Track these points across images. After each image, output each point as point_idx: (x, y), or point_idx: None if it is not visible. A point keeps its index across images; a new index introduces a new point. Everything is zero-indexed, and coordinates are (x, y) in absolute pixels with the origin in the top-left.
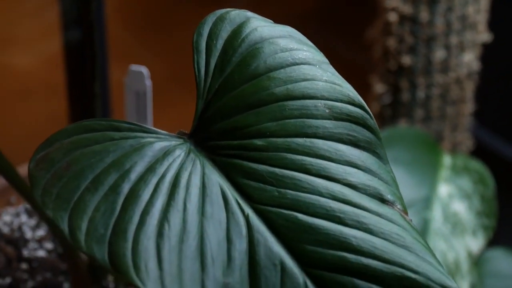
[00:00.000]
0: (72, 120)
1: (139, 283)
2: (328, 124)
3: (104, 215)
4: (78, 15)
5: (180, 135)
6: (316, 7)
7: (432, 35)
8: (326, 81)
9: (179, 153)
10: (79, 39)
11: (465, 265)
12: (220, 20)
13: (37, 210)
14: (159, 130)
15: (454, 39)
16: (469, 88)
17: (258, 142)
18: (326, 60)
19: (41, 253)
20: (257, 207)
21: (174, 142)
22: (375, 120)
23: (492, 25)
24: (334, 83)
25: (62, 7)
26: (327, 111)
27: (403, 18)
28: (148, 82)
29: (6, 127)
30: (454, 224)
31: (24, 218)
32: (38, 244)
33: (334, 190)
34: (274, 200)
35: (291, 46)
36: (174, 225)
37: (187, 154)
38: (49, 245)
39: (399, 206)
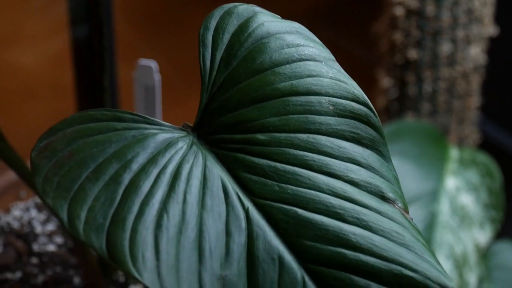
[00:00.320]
0: None
1: (135, 273)
2: (332, 121)
3: (104, 205)
4: (86, 11)
5: (184, 127)
6: (322, 3)
7: (438, 29)
8: (331, 78)
9: (182, 145)
10: (88, 34)
11: (472, 258)
12: (228, 14)
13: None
14: (162, 122)
15: (460, 33)
16: (476, 82)
17: (261, 136)
18: (332, 57)
19: (51, 248)
20: (257, 201)
21: (177, 134)
22: (379, 118)
23: (498, 18)
24: (339, 80)
25: (70, 3)
26: (331, 107)
27: (409, 12)
28: (157, 76)
29: (14, 124)
30: (462, 217)
31: (33, 213)
32: (48, 238)
33: (335, 186)
34: (274, 194)
35: (298, 42)
36: (173, 216)
37: (190, 146)
38: (59, 240)
39: (400, 204)
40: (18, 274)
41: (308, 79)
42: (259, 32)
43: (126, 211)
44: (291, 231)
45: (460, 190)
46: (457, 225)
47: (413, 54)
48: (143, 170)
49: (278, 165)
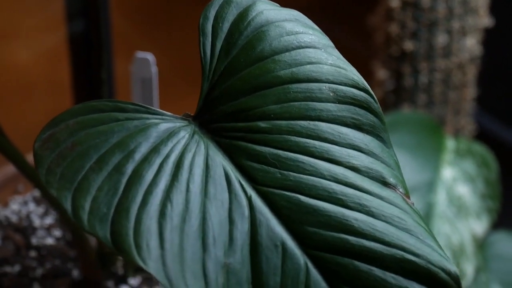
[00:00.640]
0: None
1: (140, 262)
2: (332, 107)
3: (108, 195)
4: (83, 6)
5: (185, 117)
6: None
7: (434, 20)
8: (331, 64)
9: (184, 135)
10: (84, 29)
11: (469, 248)
12: (227, 3)
13: (46, 197)
14: (164, 112)
15: (456, 24)
16: (471, 73)
17: (262, 124)
18: (332, 44)
19: (49, 241)
20: (260, 189)
21: (178, 123)
22: (379, 104)
23: (494, 9)
24: (339, 67)
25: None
26: (331, 94)
27: (405, 3)
28: (154, 69)
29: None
30: (459, 207)
31: (32, 206)
32: (47, 232)
33: (336, 172)
34: (277, 182)
35: (297, 30)
36: (176, 205)
37: (192, 135)
38: (57, 233)
39: (401, 190)
40: (16, 268)
41: (308, 66)
42: (259, 21)
43: (130, 201)
44: (294, 218)
45: (457, 181)
46: (454, 215)
47: (409, 45)
48: (146, 159)
49: (280, 152)
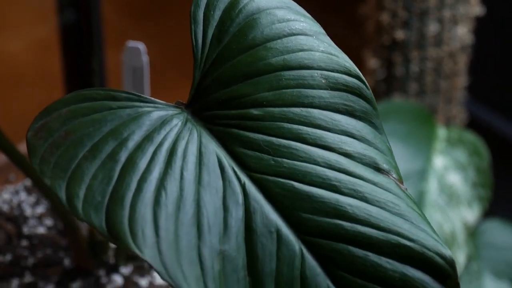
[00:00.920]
0: None
1: (136, 250)
2: (325, 94)
3: (102, 183)
4: None
5: (178, 105)
6: None
7: (425, 9)
8: (322, 51)
9: (176, 122)
10: (75, 19)
11: (461, 236)
12: None
13: (37, 186)
14: (156, 100)
15: (447, 13)
16: (462, 62)
17: (255, 111)
18: (323, 31)
19: (41, 230)
20: (254, 176)
21: (171, 111)
22: (371, 90)
23: None
24: (331, 54)
25: None
26: (323, 81)
27: None
28: (145, 58)
29: (3, 110)
30: (450, 195)
31: (23, 196)
32: (38, 221)
33: (330, 159)
34: (270, 168)
35: (288, 17)
36: (171, 192)
37: (184, 123)
38: (49, 222)
39: (394, 175)
40: (8, 257)
41: (300, 53)
42: (250, 8)
43: (124, 189)
44: (288, 205)
45: (448, 169)
46: (445, 203)
47: (400, 34)
48: (139, 147)
49: (273, 139)
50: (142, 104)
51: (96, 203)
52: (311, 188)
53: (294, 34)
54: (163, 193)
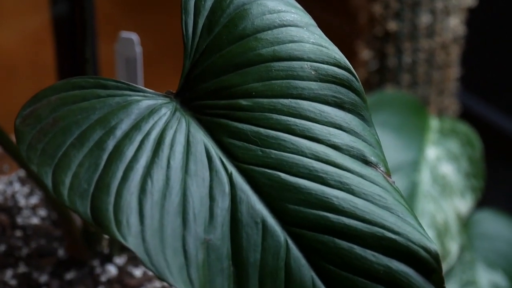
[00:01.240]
0: None
1: (120, 238)
2: (314, 86)
3: (88, 171)
4: None
5: (167, 94)
6: None
7: (417, 0)
8: (313, 43)
9: (165, 112)
10: (69, 9)
11: (454, 227)
12: None
13: (31, 177)
14: (146, 89)
15: (439, 4)
16: (455, 53)
17: (244, 102)
18: (314, 23)
19: (35, 220)
20: (241, 166)
21: (160, 100)
22: (360, 83)
23: None
24: (321, 46)
25: None
26: (313, 72)
27: None
28: (138, 48)
29: None
30: (443, 186)
31: (17, 186)
32: (32, 211)
33: (317, 150)
34: (258, 159)
35: (279, 8)
36: (157, 181)
37: (173, 112)
38: (42, 212)
39: (382, 168)
40: (2, 247)
41: (290, 44)
42: None
43: (111, 177)
44: (275, 195)
45: (441, 160)
46: (438, 194)
47: (392, 25)
48: (127, 136)
49: (261, 130)
50: (131, 93)
51: (82, 190)
52: (298, 180)
53: (284, 25)
54: (149, 182)
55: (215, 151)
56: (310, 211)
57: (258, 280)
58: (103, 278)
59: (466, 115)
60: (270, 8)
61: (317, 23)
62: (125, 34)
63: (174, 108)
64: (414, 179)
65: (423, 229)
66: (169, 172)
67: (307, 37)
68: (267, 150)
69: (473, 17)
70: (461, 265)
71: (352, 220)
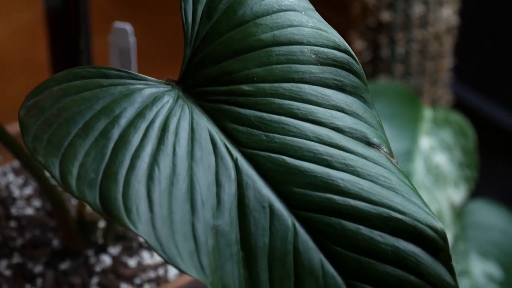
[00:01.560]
0: None
1: (130, 226)
2: (315, 69)
3: (95, 160)
4: None
5: (168, 81)
6: None
7: None
8: (312, 27)
9: (168, 99)
10: (62, 3)
11: (448, 217)
12: None
13: (26, 167)
14: (147, 77)
15: None
16: (448, 43)
17: (246, 87)
18: (311, 7)
19: (29, 211)
20: (246, 151)
21: (162, 88)
22: (360, 65)
23: None
24: (320, 29)
25: None
26: (313, 56)
27: None
28: (132, 39)
29: None
30: (436, 176)
31: (11, 177)
32: (26, 202)
33: (321, 133)
34: (262, 144)
35: None
36: (164, 168)
37: (176, 100)
38: (37, 203)
39: (385, 149)
40: None
41: (290, 29)
42: None
43: (118, 165)
44: (280, 179)
45: (434, 150)
46: (431, 184)
47: (385, 16)
48: (132, 124)
49: (264, 114)
50: (133, 81)
51: (89, 180)
52: (303, 163)
53: (283, 10)
54: (156, 169)
55: (219, 137)
56: (316, 193)
57: (267, 264)
58: (98, 268)
59: (459, 106)
60: None
61: None
62: (119, 24)
63: (177, 95)
64: (408, 169)
65: (429, 208)
66: (175, 159)
67: (306, 21)
68: (271, 134)
69: (466, 7)
70: (455, 255)
71: (358, 202)
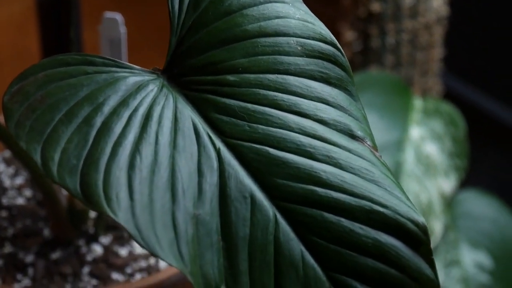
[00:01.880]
0: None
1: (110, 213)
2: (300, 61)
3: (77, 147)
4: None
5: (154, 70)
6: None
7: None
8: (298, 19)
9: (152, 88)
10: None
11: (438, 206)
12: None
13: (17, 157)
14: (133, 66)
15: None
16: (438, 34)
17: (231, 77)
18: None
19: (20, 201)
20: (229, 141)
21: (147, 77)
22: (346, 58)
23: None
24: (307, 21)
25: None
26: (299, 48)
27: None
28: (123, 29)
29: None
30: (427, 165)
31: (2, 167)
32: (17, 192)
33: (305, 125)
34: (245, 134)
35: None
36: (145, 157)
37: (160, 89)
38: (28, 193)
39: (369, 143)
40: None
41: (276, 20)
42: None
43: (99, 153)
44: (263, 170)
45: (425, 139)
46: (422, 174)
47: (376, 6)
48: (115, 112)
49: (249, 105)
50: (118, 69)
51: (71, 166)
52: (286, 154)
53: (270, 1)
54: (137, 157)
55: (202, 127)
56: (298, 185)
57: (247, 254)
58: (89, 258)
59: (449, 96)
60: None
61: None
62: (109, 14)
63: (161, 84)
64: (398, 159)
65: (411, 202)
66: (158, 147)
67: (293, 12)
68: (255, 125)
69: None
70: (445, 244)
71: (340, 194)
